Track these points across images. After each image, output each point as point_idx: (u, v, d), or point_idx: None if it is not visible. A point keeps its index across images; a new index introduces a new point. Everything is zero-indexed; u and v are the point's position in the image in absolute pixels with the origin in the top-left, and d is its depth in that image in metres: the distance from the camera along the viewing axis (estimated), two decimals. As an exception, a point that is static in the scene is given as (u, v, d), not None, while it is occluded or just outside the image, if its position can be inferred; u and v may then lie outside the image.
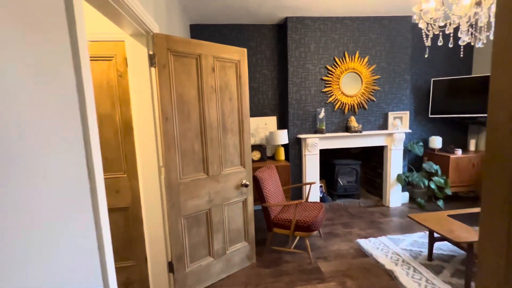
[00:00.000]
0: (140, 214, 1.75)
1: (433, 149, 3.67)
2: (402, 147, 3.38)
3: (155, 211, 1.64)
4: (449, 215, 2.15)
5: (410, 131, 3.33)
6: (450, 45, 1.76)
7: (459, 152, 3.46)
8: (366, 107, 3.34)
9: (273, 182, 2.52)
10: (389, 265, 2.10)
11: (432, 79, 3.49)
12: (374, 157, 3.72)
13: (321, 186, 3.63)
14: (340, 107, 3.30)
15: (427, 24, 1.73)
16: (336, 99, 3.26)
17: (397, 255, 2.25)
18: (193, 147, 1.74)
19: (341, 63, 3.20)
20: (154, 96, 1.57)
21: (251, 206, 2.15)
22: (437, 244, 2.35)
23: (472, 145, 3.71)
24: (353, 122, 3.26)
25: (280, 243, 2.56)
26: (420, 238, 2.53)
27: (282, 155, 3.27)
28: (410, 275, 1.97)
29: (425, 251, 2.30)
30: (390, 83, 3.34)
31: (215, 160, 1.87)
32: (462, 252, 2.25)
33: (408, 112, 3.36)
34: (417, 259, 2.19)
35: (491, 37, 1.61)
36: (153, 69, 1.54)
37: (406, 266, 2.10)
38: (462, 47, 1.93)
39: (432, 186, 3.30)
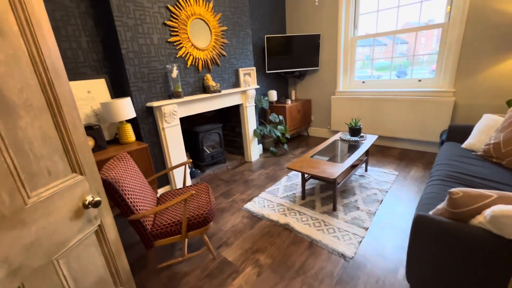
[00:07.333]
0: None
1: (272, 102, 4.17)
2: (254, 104, 3.50)
3: None
4: (311, 157, 2.48)
5: (258, 87, 3.46)
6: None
7: (289, 102, 4.16)
8: (219, 63, 3.00)
9: (135, 179, 1.68)
10: (282, 219, 2.15)
11: (266, 36, 3.70)
12: (230, 117, 3.63)
13: (186, 161, 3.09)
14: (193, 63, 2.72)
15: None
16: (188, 52, 2.63)
17: (281, 206, 2.37)
18: None
19: (186, 5, 2.51)
20: None
21: (113, 232, 1.27)
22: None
23: (293, 95, 4.60)
24: (210, 81, 2.85)
25: (166, 256, 1.89)
26: (287, 182, 2.84)
27: (130, 135, 2.29)
28: (300, 220, 2.14)
29: (296, 192, 2.60)
30: (237, 37, 3.16)
31: (-1, 181, 0.79)
32: (317, 181, 2.76)
33: (255, 68, 3.43)
34: (296, 202, 2.42)
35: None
36: None
37: (293, 212, 2.25)
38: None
39: (278, 134, 3.79)
